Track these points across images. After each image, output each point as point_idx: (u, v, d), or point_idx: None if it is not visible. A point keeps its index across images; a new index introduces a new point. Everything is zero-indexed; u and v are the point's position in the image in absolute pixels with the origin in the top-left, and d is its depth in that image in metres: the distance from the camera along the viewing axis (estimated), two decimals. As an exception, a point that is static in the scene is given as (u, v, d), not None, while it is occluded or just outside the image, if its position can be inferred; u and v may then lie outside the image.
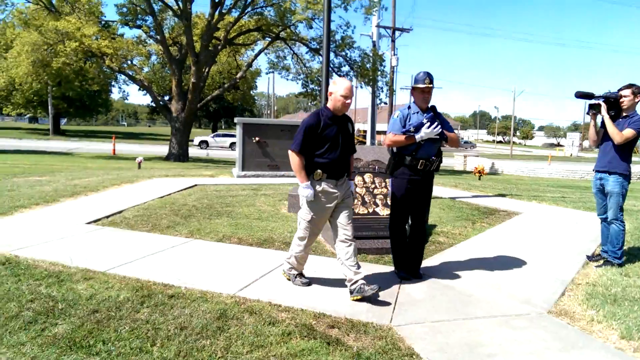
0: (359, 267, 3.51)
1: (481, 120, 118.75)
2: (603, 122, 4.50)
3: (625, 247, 4.68)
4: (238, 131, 11.93)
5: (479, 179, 15.52)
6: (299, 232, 3.65)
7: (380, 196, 5.16)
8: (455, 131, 4.15)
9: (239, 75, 22.52)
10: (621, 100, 4.38)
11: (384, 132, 4.35)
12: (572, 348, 2.86)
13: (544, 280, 4.11)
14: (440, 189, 10.56)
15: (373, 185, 5.20)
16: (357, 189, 5.13)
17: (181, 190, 8.52)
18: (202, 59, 19.77)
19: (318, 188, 3.51)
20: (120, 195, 7.70)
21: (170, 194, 7.98)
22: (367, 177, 5.24)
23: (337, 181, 3.55)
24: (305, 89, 22.21)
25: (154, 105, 46.35)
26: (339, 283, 3.74)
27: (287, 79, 23.32)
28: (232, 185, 9.47)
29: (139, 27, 21.38)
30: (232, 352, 2.61)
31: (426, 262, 4.47)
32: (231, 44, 22.36)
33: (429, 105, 3.94)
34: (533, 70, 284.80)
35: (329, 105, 3.56)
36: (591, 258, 4.80)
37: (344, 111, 3.56)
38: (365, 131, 32.86)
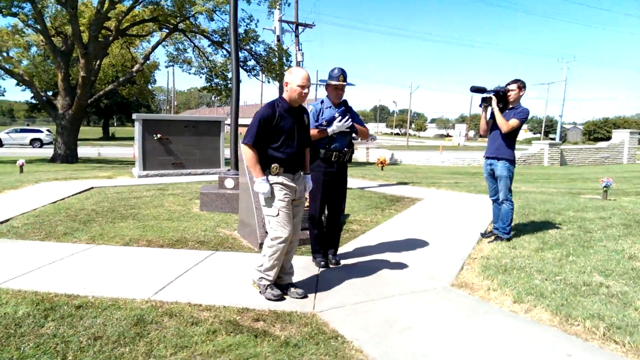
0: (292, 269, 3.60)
1: (381, 114, 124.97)
2: (492, 114, 5.03)
3: (512, 224, 5.30)
4: (137, 128, 11.23)
5: (382, 169, 16.41)
6: (270, 233, 3.35)
7: (294, 189, 5.23)
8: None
9: (135, 68, 21.07)
10: (508, 94, 4.94)
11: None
12: (475, 315, 3.19)
13: (446, 257, 4.51)
14: (350, 179, 10.93)
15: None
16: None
17: (76, 194, 7.83)
18: (92, 51, 18.16)
19: (275, 180, 3.34)
20: (3, 203, 6.85)
21: (63, 199, 7.30)
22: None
23: (293, 175, 3.43)
24: (209, 83, 21.49)
25: (34, 101, 41.59)
26: (259, 276, 3.74)
27: (190, 73, 22.37)
28: (135, 186, 8.91)
29: (15, 14, 19.02)
30: (154, 356, 2.50)
31: (342, 249, 4.66)
32: (124, 35, 20.82)
33: (341, 100, 4.11)
34: (426, 66, 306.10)
35: (285, 96, 3.40)
36: (484, 235, 5.36)
37: (300, 102, 3.40)
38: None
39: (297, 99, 3.36)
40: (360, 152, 26.43)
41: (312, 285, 3.69)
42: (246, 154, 3.32)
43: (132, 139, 26.93)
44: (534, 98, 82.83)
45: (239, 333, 2.77)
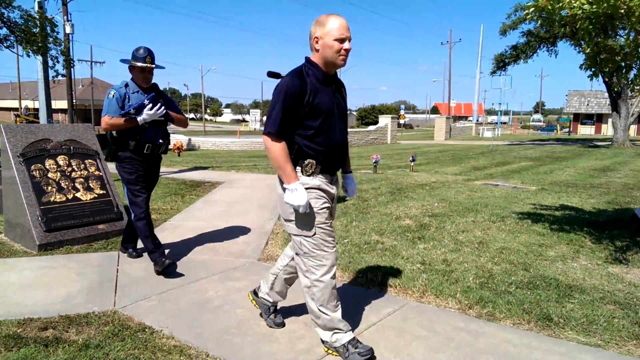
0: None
1: (172, 97, 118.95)
2: None
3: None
4: None
5: (179, 155, 15.79)
6: (307, 263, 2.32)
7: (80, 179, 4.62)
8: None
9: None
10: None
11: (63, 110, 3.94)
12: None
13: (251, 235, 4.71)
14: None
15: (70, 169, 4.60)
16: (50, 174, 4.44)
17: None
18: None
19: (310, 184, 2.31)
20: None
21: None
22: (61, 159, 4.59)
23: (332, 177, 2.43)
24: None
25: None
26: (41, 284, 3.23)
27: None
28: None
29: None
30: None
31: (142, 240, 4.37)
32: None
33: (151, 84, 3.66)
34: (219, 50, 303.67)
35: (315, 58, 2.32)
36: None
37: (340, 65, 2.33)
38: (36, 109, 27.65)
39: (336, 61, 2.28)
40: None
41: (112, 281, 3.38)
42: (271, 148, 2.24)
43: None
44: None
45: (23, 346, 2.36)
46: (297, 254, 2.38)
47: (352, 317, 2.82)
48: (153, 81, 3.69)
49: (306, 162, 2.29)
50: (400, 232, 4.80)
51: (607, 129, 40.45)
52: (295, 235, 2.34)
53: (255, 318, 2.81)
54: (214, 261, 3.92)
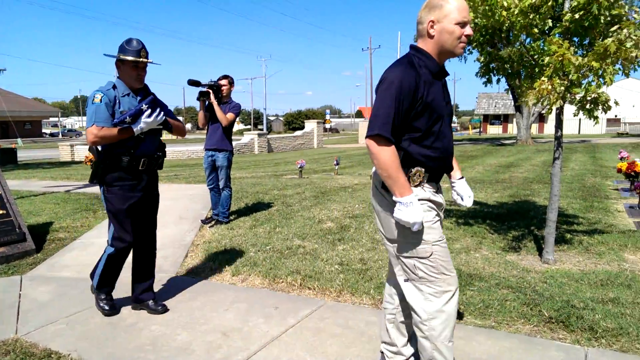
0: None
1: (84, 105, 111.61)
2: (208, 107, 5.31)
3: (232, 209, 5.79)
4: None
5: (92, 167, 14.88)
6: (424, 289, 1.93)
7: (-28, 199, 4.23)
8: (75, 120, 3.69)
9: None
10: (222, 88, 5.31)
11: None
12: (204, 294, 3.41)
13: (170, 249, 4.59)
14: (50, 182, 9.54)
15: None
16: None
17: None
18: None
19: (422, 195, 1.96)
20: None
21: None
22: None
23: (437, 185, 2.08)
24: None
25: None
26: None
27: None
28: None
29: None
30: None
31: (49, 261, 4.11)
32: None
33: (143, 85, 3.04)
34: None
35: (428, 46, 1.95)
36: (205, 221, 5.68)
37: (457, 54, 1.97)
38: None
39: (455, 49, 1.92)
40: (63, 150, 23.08)
41: (14, 307, 3.15)
42: (379, 154, 1.85)
43: None
44: (240, 92, 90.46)
45: None
46: (406, 280, 1.97)
47: (271, 322, 2.88)
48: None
49: (413, 170, 1.93)
50: (322, 235, 4.94)
51: (512, 128, 44.20)
52: (405, 257, 1.95)
53: (172, 333, 2.77)
54: (127, 278, 3.77)
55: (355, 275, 3.63)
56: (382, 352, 2.23)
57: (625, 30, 3.44)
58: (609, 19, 3.69)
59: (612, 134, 35.27)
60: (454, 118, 72.07)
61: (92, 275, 3.16)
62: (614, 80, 3.81)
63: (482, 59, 4.82)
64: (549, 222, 3.97)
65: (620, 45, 3.61)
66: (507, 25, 4.06)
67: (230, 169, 5.52)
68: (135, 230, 3.06)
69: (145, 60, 2.90)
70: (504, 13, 3.80)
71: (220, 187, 5.51)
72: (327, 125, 41.99)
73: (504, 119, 48.46)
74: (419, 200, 1.92)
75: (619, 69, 4.01)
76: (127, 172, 2.92)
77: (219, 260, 4.16)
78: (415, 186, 1.94)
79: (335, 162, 11.62)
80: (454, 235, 4.84)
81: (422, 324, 1.91)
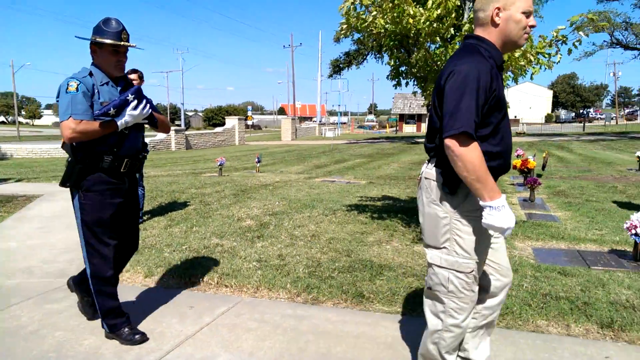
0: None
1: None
2: None
3: (143, 208, 5.56)
4: None
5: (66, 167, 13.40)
6: (447, 303, 1.85)
7: None
8: None
9: None
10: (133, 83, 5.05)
11: None
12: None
13: (75, 252, 4.30)
14: None
15: None
16: None
17: None
18: None
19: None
20: None
21: None
22: None
23: None
24: None
25: None
26: None
27: None
28: None
29: None
30: None
31: None
32: None
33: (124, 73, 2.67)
34: (37, 45, 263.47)
35: (492, 35, 1.83)
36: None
37: (519, 46, 1.90)
38: None
39: (520, 40, 1.83)
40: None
41: None
42: (466, 155, 1.65)
43: None
44: (154, 85, 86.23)
45: None
46: (430, 288, 1.89)
47: (186, 321, 2.85)
48: None
49: None
50: (241, 233, 4.93)
51: (425, 127, 46.93)
52: (442, 268, 1.83)
53: (77, 338, 2.64)
54: (29, 284, 3.52)
55: (272, 271, 3.70)
56: None
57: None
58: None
59: (512, 133, 38.76)
60: (372, 117, 74.83)
61: (100, 313, 2.64)
62: (508, 85, 4.26)
63: (392, 62, 5.12)
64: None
65: (511, 55, 4.06)
66: (413, 32, 4.35)
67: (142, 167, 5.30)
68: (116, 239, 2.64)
69: (127, 44, 2.51)
70: (411, 21, 4.07)
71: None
72: (249, 122, 41.48)
73: (417, 119, 51.29)
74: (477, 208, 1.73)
75: (510, 75, 4.49)
76: (109, 174, 2.52)
77: (130, 262, 3.99)
78: None
79: (257, 159, 11.58)
80: (368, 229, 5.09)
81: (433, 333, 1.89)
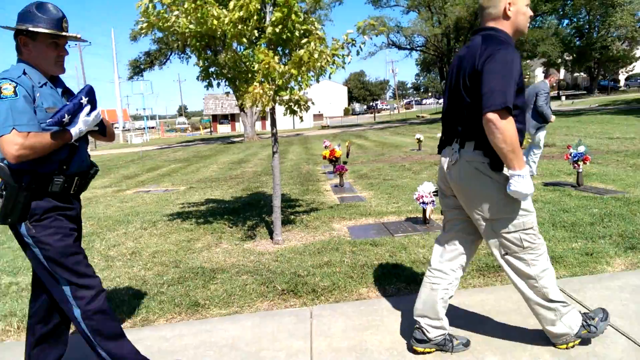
0: None
1: None
2: None
3: None
4: None
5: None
6: (526, 257, 2.06)
7: None
8: None
9: None
10: None
11: None
12: None
13: None
14: None
15: None
16: None
17: None
18: None
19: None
20: None
21: None
22: None
23: None
24: None
25: None
26: None
27: None
28: None
29: None
30: None
31: None
32: None
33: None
34: None
35: (505, 26, 2.07)
36: None
37: (525, 34, 2.20)
38: None
39: (525, 30, 2.14)
40: None
41: None
42: (505, 128, 1.86)
43: None
44: None
45: None
46: (506, 254, 2.09)
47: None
48: None
49: None
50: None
51: (240, 127, 47.49)
52: (509, 233, 2.05)
53: None
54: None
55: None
56: (419, 328, 2.26)
57: (312, 44, 4.19)
58: (302, 32, 4.41)
59: (318, 127, 42.19)
60: (184, 119, 72.15)
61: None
62: (310, 84, 4.61)
63: (201, 63, 5.02)
64: (275, 208, 4.51)
65: (311, 56, 4.40)
66: (219, 33, 4.35)
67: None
68: None
69: (68, 34, 2.02)
70: (215, 22, 4.06)
71: None
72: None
73: (231, 118, 51.47)
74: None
75: (312, 75, 4.88)
76: (58, 199, 2.00)
77: None
78: None
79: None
80: (194, 235, 4.93)
81: (528, 291, 2.09)
